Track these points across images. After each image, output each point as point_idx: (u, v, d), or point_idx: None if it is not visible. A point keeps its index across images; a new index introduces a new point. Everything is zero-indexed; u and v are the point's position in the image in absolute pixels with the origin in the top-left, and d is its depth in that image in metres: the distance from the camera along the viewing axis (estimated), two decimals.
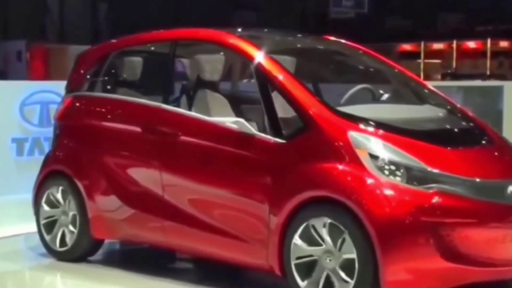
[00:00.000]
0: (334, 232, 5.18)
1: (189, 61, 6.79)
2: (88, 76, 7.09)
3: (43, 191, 7.07)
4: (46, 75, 24.36)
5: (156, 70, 6.90)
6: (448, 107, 6.17)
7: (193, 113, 6.05)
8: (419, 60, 28.77)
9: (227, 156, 5.71)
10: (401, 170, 5.09)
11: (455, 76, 25.12)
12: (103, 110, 6.81)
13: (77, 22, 32.24)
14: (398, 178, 5.07)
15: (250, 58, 5.78)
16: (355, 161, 5.15)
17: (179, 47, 6.44)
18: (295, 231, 5.29)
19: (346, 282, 5.11)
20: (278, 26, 6.56)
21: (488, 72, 26.23)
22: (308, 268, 5.27)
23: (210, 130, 5.81)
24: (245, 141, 5.55)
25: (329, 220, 5.18)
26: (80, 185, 6.73)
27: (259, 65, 5.65)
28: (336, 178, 5.18)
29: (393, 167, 5.10)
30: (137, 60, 7.01)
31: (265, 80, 5.59)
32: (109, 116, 6.73)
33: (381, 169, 5.10)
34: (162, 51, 6.76)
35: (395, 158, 5.14)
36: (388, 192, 5.00)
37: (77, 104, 7.06)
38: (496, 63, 27.84)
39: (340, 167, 5.17)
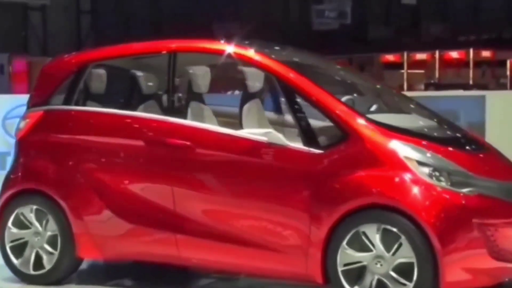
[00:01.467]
0: (387, 237, 5.29)
1: (195, 73, 6.29)
2: (58, 90, 6.61)
3: (9, 212, 6.47)
4: (29, 89, 24.29)
5: (151, 82, 6.75)
6: (426, 114, 6.26)
7: (212, 126, 5.93)
8: (402, 71, 28.89)
9: (257, 168, 5.66)
10: (445, 176, 5.33)
11: (438, 86, 25.22)
12: (91, 124, 6.35)
13: (60, 35, 32.20)
14: (443, 184, 5.31)
15: (275, 73, 5.83)
16: (404, 168, 5.33)
17: (180, 58, 6.18)
18: (343, 238, 5.35)
19: (404, 285, 5.24)
20: (260, 37, 6.50)
21: (471, 82, 26.37)
22: (355, 274, 5.36)
23: (235, 142, 5.75)
24: (276, 153, 5.60)
25: (383, 226, 5.27)
26: (63, 203, 6.25)
27: (287, 79, 5.72)
28: (390, 185, 5.33)
29: (437, 173, 5.33)
30: (124, 71, 6.90)
31: (294, 93, 5.71)
32: (100, 131, 6.28)
33: (430, 175, 5.31)
34: (156, 63, 6.57)
35: (439, 164, 5.37)
36: (442, 197, 5.25)
37: (52, 119, 6.51)
38: (479, 72, 28.01)
39: (391, 174, 5.33)
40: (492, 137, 10.81)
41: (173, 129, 5.93)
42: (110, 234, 6.16)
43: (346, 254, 5.36)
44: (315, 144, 5.54)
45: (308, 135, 5.58)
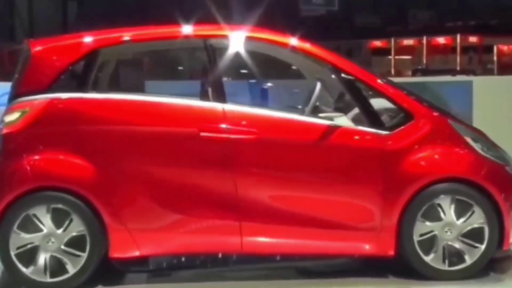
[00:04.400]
0: (459, 206, 5.82)
1: (248, 59, 6.28)
2: (61, 76, 6.01)
3: (14, 214, 5.73)
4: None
5: (185, 67, 6.46)
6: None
7: (277, 112, 5.96)
8: (390, 57, 28.96)
9: (327, 151, 5.85)
10: (488, 150, 6.00)
11: (426, 72, 25.30)
12: (130, 112, 5.87)
13: (47, 22, 32.07)
14: (491, 157, 5.97)
15: (332, 63, 6.02)
16: (464, 145, 5.93)
17: (217, 44, 6.07)
18: (418, 211, 5.78)
19: (475, 247, 5.83)
20: (247, 24, 6.49)
21: (458, 68, 26.46)
22: (428, 244, 5.82)
23: (303, 127, 5.86)
24: (346, 136, 5.85)
25: (457, 197, 5.80)
26: (94, 199, 5.72)
27: (346, 68, 6.01)
28: (458, 160, 5.93)
29: (485, 148, 5.99)
30: (154, 57, 6.56)
31: (354, 81, 5.99)
32: (143, 119, 5.84)
33: (482, 150, 5.96)
34: (190, 48, 6.54)
35: (482, 140, 6.08)
36: (497, 168, 5.95)
37: (72, 108, 5.87)
38: (466, 58, 28.10)
39: (456, 150, 5.94)
40: (479, 122, 10.87)
41: (232, 116, 5.83)
42: (155, 227, 5.78)
43: (422, 226, 5.79)
44: (381, 126, 5.88)
45: (373, 118, 5.90)
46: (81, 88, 5.93)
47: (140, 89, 6.30)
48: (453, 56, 27.91)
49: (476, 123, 10.77)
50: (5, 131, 5.87)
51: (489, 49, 27.85)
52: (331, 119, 5.84)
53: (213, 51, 6.00)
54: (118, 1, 34.03)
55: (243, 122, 5.79)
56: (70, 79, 6.05)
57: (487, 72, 26.09)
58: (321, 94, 6.21)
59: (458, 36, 27.83)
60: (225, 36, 6.12)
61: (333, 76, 6.05)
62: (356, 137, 5.85)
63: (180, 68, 5.88)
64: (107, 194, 5.73)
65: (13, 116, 5.88)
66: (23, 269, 5.68)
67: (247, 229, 5.75)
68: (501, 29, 28.75)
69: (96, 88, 6.00)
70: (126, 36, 6.10)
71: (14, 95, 6.00)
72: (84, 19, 33.32)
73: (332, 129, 5.82)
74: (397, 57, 28.82)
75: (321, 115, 5.92)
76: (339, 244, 5.86)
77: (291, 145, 5.82)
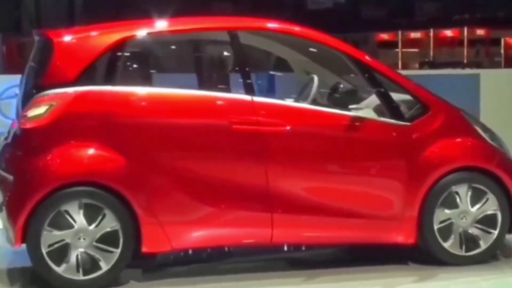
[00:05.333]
0: (473, 194, 6.07)
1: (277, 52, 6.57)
2: (91, 67, 5.83)
3: (45, 211, 5.52)
4: (22, 69, 24.19)
5: (215, 60, 6.40)
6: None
7: (304, 104, 6.03)
8: (397, 49, 28.90)
9: (353, 143, 5.98)
10: (494, 139, 6.31)
11: (433, 65, 25.24)
12: (164, 106, 5.79)
13: (53, 14, 32.09)
14: (498, 146, 6.28)
15: (357, 56, 6.16)
16: (476, 135, 6.21)
17: (245, 37, 6.13)
18: (438, 200, 6.01)
19: (489, 233, 6.09)
20: (256, 17, 6.51)
21: (465, 60, 26.40)
22: (445, 231, 6.04)
23: (329, 119, 5.97)
24: (370, 127, 5.99)
25: (473, 185, 6.06)
26: (127, 194, 5.60)
27: (367, 61, 6.18)
28: (474, 149, 6.20)
29: (492, 138, 6.31)
30: (182, 49, 6.55)
31: (376, 75, 6.15)
32: (175, 113, 5.78)
33: (491, 139, 6.28)
34: (218, 40, 6.37)
35: (488, 130, 6.38)
36: (505, 157, 6.27)
37: (104, 101, 5.72)
38: (473, 51, 28.03)
39: (470, 140, 6.20)
40: (486, 115, 10.85)
41: (261, 108, 5.85)
42: (187, 220, 5.72)
43: (441, 213, 6.01)
44: (401, 117, 6.04)
45: (394, 109, 6.05)
46: (109, 80, 5.78)
47: (165, 82, 6.20)
48: (460, 48, 27.84)
49: (483, 116, 10.75)
50: (30, 125, 5.67)
51: (496, 42, 27.77)
52: (357, 111, 5.98)
53: (242, 44, 6.01)
54: None
55: (273, 114, 5.81)
56: (97, 71, 5.88)
57: (495, 65, 26.01)
58: (319, 86, 6.33)
59: (465, 29, 27.75)
60: (257, 29, 6.23)
61: (355, 69, 6.14)
62: (381, 129, 6.01)
63: (206, 60, 5.84)
64: (139, 187, 5.63)
65: (40, 110, 5.67)
66: (55, 268, 5.51)
67: (278, 220, 5.79)
68: (508, 21, 28.66)
69: (123, 80, 5.84)
70: (155, 27, 6.04)
71: (37, 88, 5.78)
72: (90, 11, 33.32)
73: (359, 121, 5.95)
74: (404, 49, 28.75)
75: (351, 106, 6.01)
76: (366, 234, 6.01)
77: (320, 136, 5.92)
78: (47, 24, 30.96)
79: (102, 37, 5.93)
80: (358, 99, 6.32)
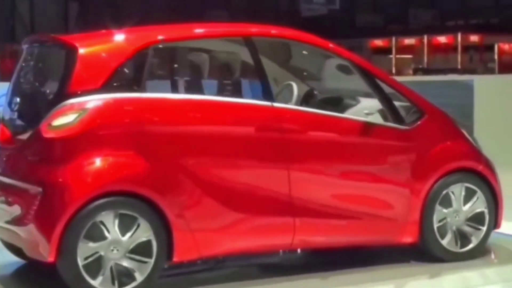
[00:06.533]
0: (466, 194, 6.38)
1: (285, 59, 6.72)
2: (115, 74, 5.63)
3: (82, 222, 5.31)
4: None
5: (234, 67, 6.26)
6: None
7: (318, 110, 6.11)
8: (391, 56, 28.95)
9: (367, 148, 6.14)
10: (476, 143, 6.68)
11: (426, 71, 25.28)
12: (189, 112, 5.72)
13: (48, 22, 32.09)
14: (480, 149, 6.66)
15: (357, 62, 6.34)
16: (465, 139, 6.56)
17: (260, 44, 6.12)
18: (437, 200, 6.26)
19: (479, 229, 6.38)
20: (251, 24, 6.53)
21: (459, 67, 26.45)
22: (442, 229, 6.30)
23: (342, 124, 6.11)
24: (378, 132, 6.17)
25: (465, 184, 6.37)
26: (160, 202, 5.47)
27: (370, 68, 6.37)
28: (466, 152, 6.51)
29: (475, 141, 6.69)
30: (205, 56, 6.33)
31: (376, 80, 6.31)
32: (199, 119, 5.71)
33: (475, 142, 6.66)
34: (233, 47, 6.32)
35: (470, 134, 6.70)
36: (487, 159, 6.58)
37: (132, 108, 5.56)
38: (467, 57, 28.09)
39: (461, 144, 6.51)
40: (480, 120, 10.89)
41: (281, 114, 5.89)
42: (215, 228, 5.65)
43: (439, 213, 6.27)
44: (402, 122, 6.25)
45: (396, 114, 6.26)
46: (134, 87, 5.65)
47: (190, 88, 6.18)
48: (454, 55, 27.90)
49: (477, 122, 10.79)
50: (58, 134, 5.41)
51: (490, 48, 27.83)
52: (365, 116, 6.13)
53: (260, 51, 6.04)
54: (119, 2, 34.01)
55: (293, 120, 5.89)
56: (121, 77, 5.71)
57: (488, 71, 26.08)
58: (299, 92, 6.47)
59: (459, 35, 27.82)
60: (272, 36, 6.31)
61: (359, 76, 6.28)
62: (388, 134, 6.20)
63: (225, 67, 5.85)
64: (171, 195, 5.51)
65: (68, 118, 5.44)
66: (91, 281, 5.31)
67: (300, 226, 5.85)
68: (502, 28, 28.74)
69: (149, 86, 5.76)
70: (177, 34, 6.05)
71: (60, 96, 5.51)
72: (85, 20, 33.34)
73: (370, 126, 6.11)
74: (398, 56, 28.80)
75: (352, 111, 6.22)
76: (375, 236, 6.19)
77: (337, 142, 6.05)
78: (42, 32, 30.96)
79: (126, 43, 5.78)
80: (343, 106, 6.40)
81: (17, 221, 5.47)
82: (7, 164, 5.92)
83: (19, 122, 5.98)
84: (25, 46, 6.24)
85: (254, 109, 5.86)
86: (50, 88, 5.82)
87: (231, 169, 5.72)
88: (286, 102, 6.17)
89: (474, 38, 28.37)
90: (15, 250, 6.15)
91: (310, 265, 6.31)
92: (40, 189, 5.33)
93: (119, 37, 5.88)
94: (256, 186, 5.77)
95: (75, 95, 5.47)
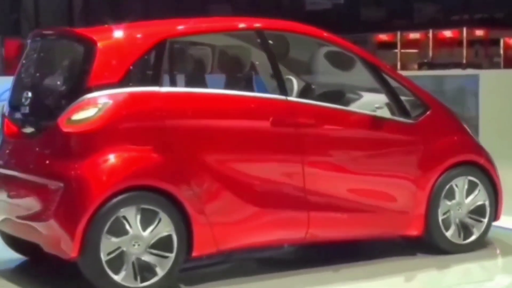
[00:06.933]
0: (468, 186, 6.58)
1: (298, 54, 6.83)
2: (134, 68, 5.62)
3: (105, 217, 5.30)
4: None
5: (244, 61, 6.33)
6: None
7: (330, 104, 6.19)
8: (396, 50, 28.83)
9: (378, 142, 6.26)
10: (475, 137, 6.89)
11: (432, 65, 25.20)
12: (207, 107, 5.71)
13: (53, 16, 32.07)
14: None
15: (365, 57, 6.41)
16: (466, 132, 6.75)
17: (269, 37, 6.17)
18: (442, 193, 6.41)
19: (480, 221, 6.58)
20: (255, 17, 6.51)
21: (464, 61, 26.34)
22: (446, 222, 6.47)
23: (351, 119, 6.19)
24: (387, 125, 6.29)
25: (468, 177, 6.55)
26: (181, 196, 5.47)
27: (377, 63, 6.46)
28: (468, 145, 6.69)
29: (474, 135, 6.87)
30: (221, 50, 6.43)
31: (384, 74, 6.39)
32: (217, 114, 5.73)
33: (475, 136, 6.86)
34: (244, 41, 6.39)
35: (469, 128, 6.85)
36: (487, 152, 6.75)
37: (151, 102, 5.54)
38: (472, 52, 27.97)
39: (464, 137, 6.70)
40: (486, 115, 10.84)
41: (295, 108, 5.95)
42: (233, 221, 5.68)
43: (444, 205, 6.45)
44: (408, 116, 6.37)
45: (402, 108, 6.36)
46: (153, 80, 5.62)
47: (205, 83, 6.23)
48: (459, 49, 27.78)
49: (482, 117, 10.75)
50: (78, 128, 5.40)
51: (495, 42, 27.71)
52: (374, 110, 6.23)
53: (273, 45, 6.14)
54: None
55: (308, 114, 5.95)
56: (140, 71, 5.73)
57: (494, 65, 25.98)
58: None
59: (464, 30, 27.69)
60: (285, 30, 6.37)
61: (366, 69, 6.35)
62: (397, 127, 6.32)
63: (239, 61, 5.89)
64: (191, 189, 5.52)
65: (89, 112, 5.42)
66: (114, 276, 5.33)
67: (313, 219, 5.91)
68: (507, 22, 28.61)
69: (168, 80, 5.82)
70: (196, 26, 6.06)
71: (78, 90, 5.49)
72: (89, 14, 33.29)
73: (381, 120, 6.23)
74: (403, 50, 28.68)
75: (376, 106, 6.28)
76: (384, 229, 6.34)
77: (349, 135, 6.14)
78: (47, 25, 30.93)
79: (144, 36, 5.74)
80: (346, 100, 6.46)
81: (36, 216, 5.40)
82: (18, 158, 5.85)
83: (27, 116, 5.87)
84: (33, 40, 6.16)
85: (270, 103, 5.89)
86: (65, 82, 5.77)
87: (247, 163, 5.77)
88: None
89: (479, 32, 28.24)
90: (16, 246, 6.13)
91: (315, 258, 6.35)
92: (61, 184, 5.29)
93: (137, 30, 5.85)
94: (272, 180, 5.82)
95: (94, 89, 5.44)
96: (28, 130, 5.80)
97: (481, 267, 6.38)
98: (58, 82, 5.86)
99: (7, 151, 5.99)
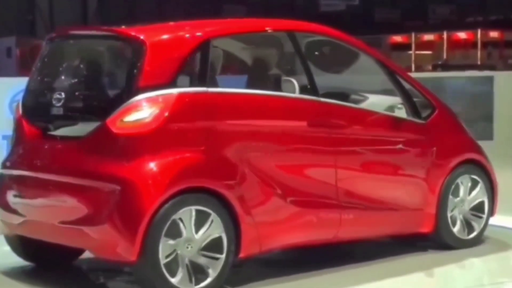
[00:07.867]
0: (472, 182, 6.80)
1: (324, 55, 7.10)
2: (182, 69, 5.55)
3: (163, 219, 5.22)
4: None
5: (278, 62, 6.43)
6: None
7: (358, 105, 6.38)
8: (410, 52, 28.77)
9: (399, 142, 6.46)
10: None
11: (446, 67, 25.13)
12: (252, 108, 5.72)
13: (67, 17, 32.17)
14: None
15: (379, 59, 6.58)
16: (466, 132, 6.95)
17: (300, 40, 6.21)
18: (449, 190, 6.64)
19: (480, 217, 6.81)
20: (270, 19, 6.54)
21: (479, 62, 26.26)
22: (453, 219, 6.68)
23: (375, 119, 6.37)
24: (404, 126, 6.47)
25: (471, 175, 6.78)
26: (231, 198, 5.46)
27: (390, 64, 6.64)
28: (472, 144, 6.94)
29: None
30: (253, 51, 6.48)
31: (397, 76, 6.56)
32: (262, 115, 5.75)
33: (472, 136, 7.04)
34: (276, 42, 6.43)
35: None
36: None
37: (199, 103, 5.49)
38: (486, 53, 27.88)
39: (467, 137, 6.93)
40: (501, 116, 10.81)
41: (328, 109, 6.07)
42: (276, 221, 5.69)
43: (451, 203, 6.66)
44: (419, 116, 6.56)
45: (415, 109, 6.54)
46: (201, 81, 5.59)
47: (252, 83, 6.36)
48: (473, 51, 27.70)
49: (497, 118, 10.72)
50: (132, 130, 5.30)
51: (510, 44, 27.61)
52: (393, 111, 6.40)
53: (308, 47, 6.28)
54: None
55: (339, 115, 6.09)
56: (188, 71, 5.67)
57: (508, 67, 25.90)
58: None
59: (479, 31, 27.61)
60: (318, 33, 6.46)
61: (382, 73, 6.51)
62: (414, 128, 6.51)
63: (273, 62, 5.96)
64: (240, 191, 5.52)
65: (143, 114, 5.33)
66: (172, 280, 5.27)
67: (344, 218, 6.03)
68: None
69: (212, 81, 5.74)
70: (240, 27, 6.29)
71: (128, 91, 5.37)
72: (103, 14, 33.39)
73: (400, 121, 6.42)
74: (417, 52, 28.63)
75: (398, 105, 6.45)
76: (401, 226, 6.49)
77: (374, 136, 6.33)
78: (61, 27, 31.01)
79: (190, 35, 5.68)
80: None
81: (86, 220, 5.27)
82: (48, 160, 5.66)
83: (59, 118, 5.69)
84: (55, 40, 6.05)
85: (306, 104, 5.99)
86: (111, 83, 5.71)
87: (289, 163, 5.85)
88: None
89: (494, 34, 28.15)
90: (24, 251, 6.08)
91: (317, 260, 6.31)
92: (118, 187, 5.19)
93: (183, 29, 5.82)
94: (308, 180, 5.93)
95: (144, 90, 5.34)
96: (61, 131, 5.65)
97: (483, 263, 6.54)
98: (102, 83, 5.76)
99: (28, 153, 5.82)
